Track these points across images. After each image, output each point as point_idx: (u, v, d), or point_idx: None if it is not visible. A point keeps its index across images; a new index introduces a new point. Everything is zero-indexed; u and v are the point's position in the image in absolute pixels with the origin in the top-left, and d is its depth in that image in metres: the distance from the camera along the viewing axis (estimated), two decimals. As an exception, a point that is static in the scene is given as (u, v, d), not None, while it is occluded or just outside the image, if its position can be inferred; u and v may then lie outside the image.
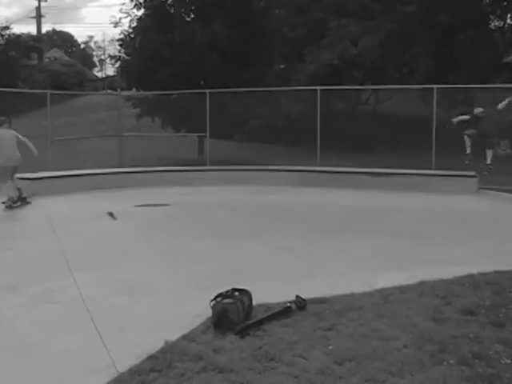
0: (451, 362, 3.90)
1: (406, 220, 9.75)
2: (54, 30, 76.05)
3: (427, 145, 14.53)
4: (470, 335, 4.30)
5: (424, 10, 21.93)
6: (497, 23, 26.27)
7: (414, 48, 21.48)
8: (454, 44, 22.67)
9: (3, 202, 11.37)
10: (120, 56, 22.53)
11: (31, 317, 5.08)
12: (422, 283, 5.65)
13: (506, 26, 26.09)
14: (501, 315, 4.71)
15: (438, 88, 14.93)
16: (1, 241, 8.34)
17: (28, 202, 11.74)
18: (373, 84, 21.48)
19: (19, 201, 11.59)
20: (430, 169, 14.15)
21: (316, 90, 16.02)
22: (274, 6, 25.80)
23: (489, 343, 4.17)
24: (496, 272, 5.99)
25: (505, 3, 24.89)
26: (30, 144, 11.67)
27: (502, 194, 12.81)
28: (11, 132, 11.75)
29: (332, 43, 21.91)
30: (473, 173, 13.18)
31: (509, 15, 25.65)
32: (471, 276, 5.84)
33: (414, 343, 4.19)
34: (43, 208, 11.46)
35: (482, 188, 13.09)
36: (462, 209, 10.91)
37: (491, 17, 25.76)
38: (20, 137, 11.68)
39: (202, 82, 20.14)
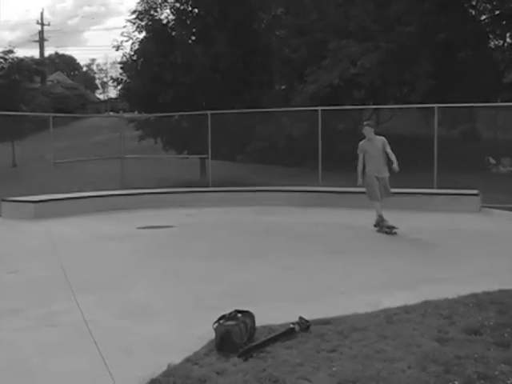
0: (456, 382, 3.85)
1: (408, 240, 9.73)
2: (56, 53, 76.62)
3: (429, 163, 14.54)
4: (475, 355, 4.26)
5: (423, 29, 22.09)
6: (496, 42, 26.47)
7: (414, 67, 21.58)
8: (453, 63, 22.80)
9: (375, 225, 10.49)
10: (122, 79, 22.66)
11: (33, 340, 5.05)
12: (426, 303, 5.61)
13: (506, 44, 26.28)
14: (506, 335, 4.67)
15: (438, 107, 14.98)
16: (3, 263, 8.33)
17: (393, 233, 10.19)
18: (373, 104, 21.58)
19: (383, 227, 10.37)
20: (432, 187, 14.15)
21: (317, 110, 16.09)
22: (274, 27, 26.00)
23: (494, 363, 4.12)
24: (501, 291, 5.95)
25: (504, 22, 25.08)
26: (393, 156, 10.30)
27: (505, 212, 12.79)
28: (380, 138, 10.61)
29: (332, 64, 22.02)
30: (475, 191, 13.16)
31: (508, 34, 25.86)
32: (475, 295, 5.79)
33: (419, 364, 4.15)
34: (46, 230, 11.45)
35: (485, 206, 13.07)
36: (465, 227, 10.88)
37: (490, 36, 25.95)
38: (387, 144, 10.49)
39: (203, 103, 20.23)
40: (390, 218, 10.29)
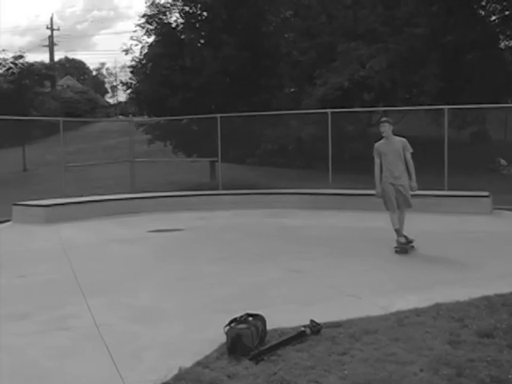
0: (469, 386, 3.84)
1: (419, 242, 9.67)
2: (66, 57, 76.96)
3: (439, 165, 14.49)
4: (488, 359, 4.22)
5: (431, 31, 22.02)
6: (506, 43, 26.34)
7: (423, 69, 21.52)
8: (463, 64, 22.72)
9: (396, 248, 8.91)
10: (131, 82, 22.75)
11: (44, 344, 5.06)
12: (437, 305, 5.58)
13: (516, 45, 26.15)
14: (518, 337, 4.63)
15: (448, 109, 14.93)
16: (14, 267, 8.36)
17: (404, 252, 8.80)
18: (383, 106, 21.52)
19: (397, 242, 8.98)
20: (443, 189, 14.09)
21: (327, 112, 16.06)
22: (283, 30, 26.02)
23: (508, 367, 4.08)
24: (512, 293, 5.91)
25: (514, 23, 24.97)
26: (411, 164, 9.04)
27: (517, 213, 12.71)
28: (400, 139, 9.21)
29: (341, 66, 22.00)
30: (486, 193, 13.09)
31: (519, 35, 25.72)
32: (487, 298, 5.75)
33: (431, 367, 4.12)
34: (57, 234, 11.49)
35: (496, 208, 13.00)
36: (476, 229, 10.82)
37: (501, 36, 25.82)
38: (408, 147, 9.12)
39: (212, 107, 20.25)
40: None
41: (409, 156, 8.99)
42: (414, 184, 9.01)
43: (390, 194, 9.03)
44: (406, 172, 9.03)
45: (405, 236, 9.02)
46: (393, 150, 8.99)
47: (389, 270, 7.62)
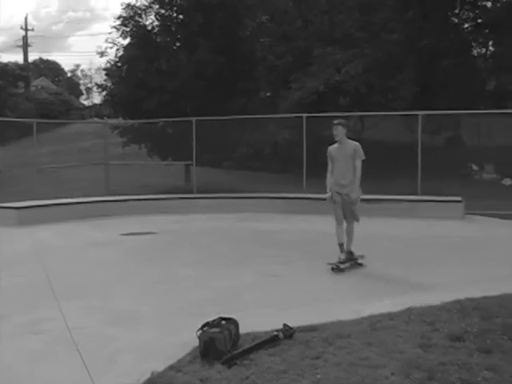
0: (440, 389, 3.88)
1: (392, 247, 9.76)
2: (40, 58, 75.99)
3: (413, 170, 14.61)
4: (459, 362, 4.28)
5: (406, 37, 22.25)
6: (479, 50, 26.72)
7: (399, 74, 21.72)
8: (437, 70, 22.98)
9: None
10: (106, 85, 22.57)
11: (16, 347, 5.02)
12: (409, 310, 5.63)
13: (488, 53, 26.53)
14: (488, 341, 4.69)
15: (422, 115, 15.08)
16: (-14, 271, 8.27)
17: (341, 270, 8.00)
18: (358, 111, 21.66)
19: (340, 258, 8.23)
20: (416, 194, 14.21)
21: (302, 116, 16.12)
22: (259, 35, 26.05)
23: (477, 370, 4.14)
24: (484, 298, 5.98)
25: (486, 31, 25.33)
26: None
27: (489, 218, 12.87)
28: (352, 144, 8.31)
29: (318, 70, 22.08)
30: (459, 198, 13.25)
31: (490, 42, 26.11)
32: (459, 302, 5.82)
33: (402, 371, 4.16)
34: (29, 237, 11.38)
35: (468, 213, 13.15)
36: (449, 234, 10.94)
37: (473, 44, 26.19)
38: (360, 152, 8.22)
39: (188, 110, 20.20)
40: (373, 224, 10.26)
41: (359, 163, 8.10)
42: (354, 194, 8.12)
43: (335, 203, 8.34)
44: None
45: (351, 252, 8.32)
46: (344, 155, 8.20)
47: (362, 275, 7.73)
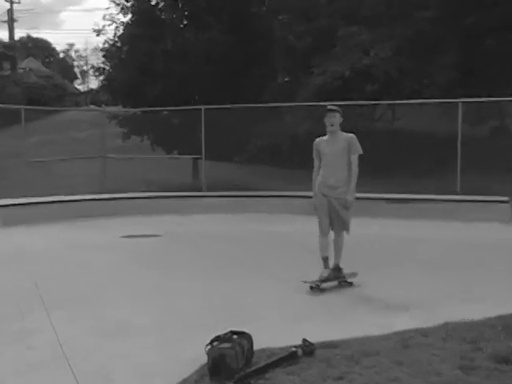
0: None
1: (428, 252, 9.69)
2: (28, 36, 76.12)
3: (451, 165, 14.48)
4: (505, 387, 4.23)
5: (444, 14, 22.01)
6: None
7: (435, 57, 21.52)
8: (480, 51, 22.72)
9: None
10: (104, 68, 22.58)
11: (2, 360, 5.03)
12: (446, 325, 5.56)
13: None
14: (539, 363, 4.62)
15: (463, 102, 14.94)
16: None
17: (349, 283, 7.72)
18: (388, 98, 21.52)
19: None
20: (456, 193, 14.07)
21: (325, 106, 16.02)
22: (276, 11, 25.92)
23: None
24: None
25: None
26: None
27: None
28: (347, 136, 7.77)
29: (341, 53, 21.97)
30: (505, 198, 13.09)
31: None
32: (504, 317, 5.74)
33: (439, 394, 4.12)
34: (17, 239, 11.41)
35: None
36: (493, 239, 10.82)
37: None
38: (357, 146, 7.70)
39: (196, 97, 20.17)
40: (405, 227, 10.15)
41: (355, 159, 7.54)
42: (349, 197, 7.52)
43: (320, 209, 7.66)
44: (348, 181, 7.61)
45: (339, 269, 7.77)
46: (336, 149, 7.57)
47: (392, 284, 7.62)
